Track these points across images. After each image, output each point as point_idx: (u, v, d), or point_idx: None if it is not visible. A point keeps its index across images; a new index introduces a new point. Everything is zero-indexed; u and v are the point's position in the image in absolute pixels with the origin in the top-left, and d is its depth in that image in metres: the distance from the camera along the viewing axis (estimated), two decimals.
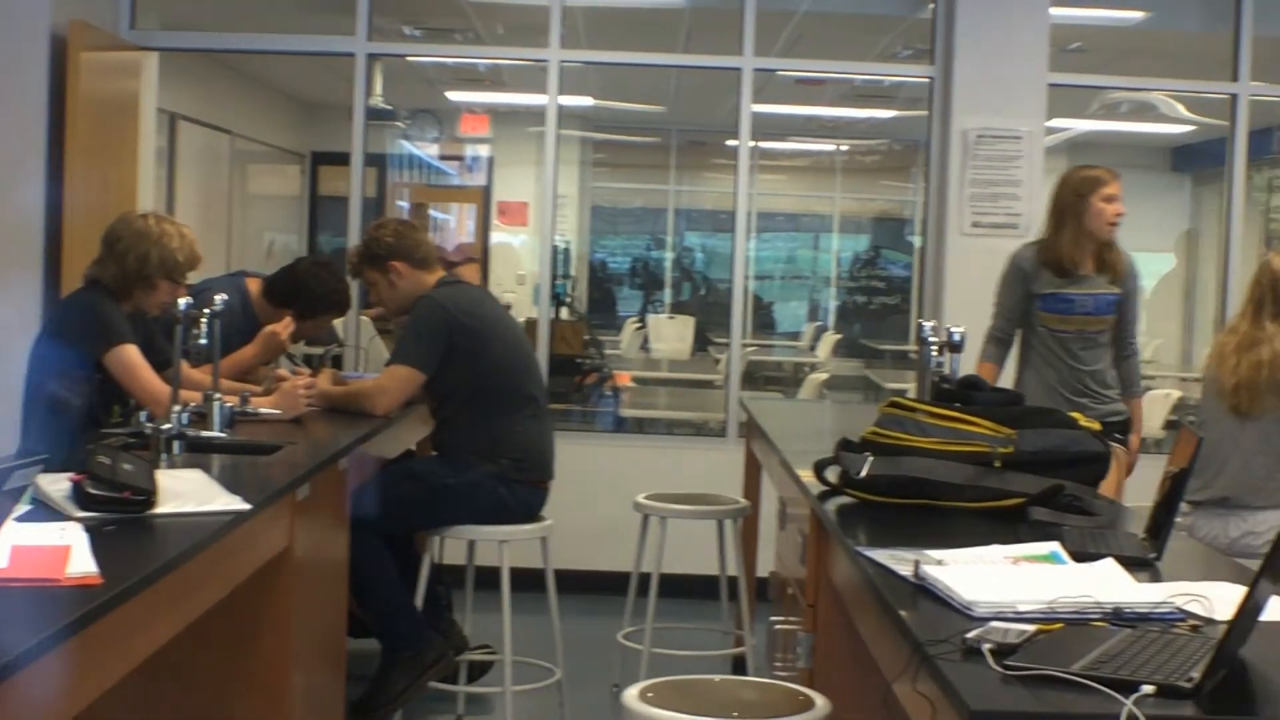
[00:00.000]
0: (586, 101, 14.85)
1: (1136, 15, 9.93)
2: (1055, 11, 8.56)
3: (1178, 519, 3.72)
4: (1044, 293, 6.45)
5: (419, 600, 5.88)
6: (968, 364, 5.28)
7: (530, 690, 6.14)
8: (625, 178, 18.92)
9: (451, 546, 6.13)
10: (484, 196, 17.13)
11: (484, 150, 17.26)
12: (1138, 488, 5.50)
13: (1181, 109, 12.93)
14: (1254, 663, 2.65)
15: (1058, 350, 6.50)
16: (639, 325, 17.15)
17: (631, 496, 6.59)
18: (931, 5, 8.64)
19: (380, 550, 5.78)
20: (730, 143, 8.89)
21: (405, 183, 17.19)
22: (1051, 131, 10.72)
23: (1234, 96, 8.72)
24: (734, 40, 8.63)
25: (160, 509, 3.62)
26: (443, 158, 17.44)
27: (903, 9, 9.90)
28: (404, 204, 17.10)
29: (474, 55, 12.12)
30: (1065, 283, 6.44)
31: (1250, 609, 2.56)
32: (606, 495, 7.76)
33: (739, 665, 6.73)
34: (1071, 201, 6.43)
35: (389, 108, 12.71)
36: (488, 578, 6.03)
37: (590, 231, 18.39)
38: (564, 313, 12.31)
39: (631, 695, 3.56)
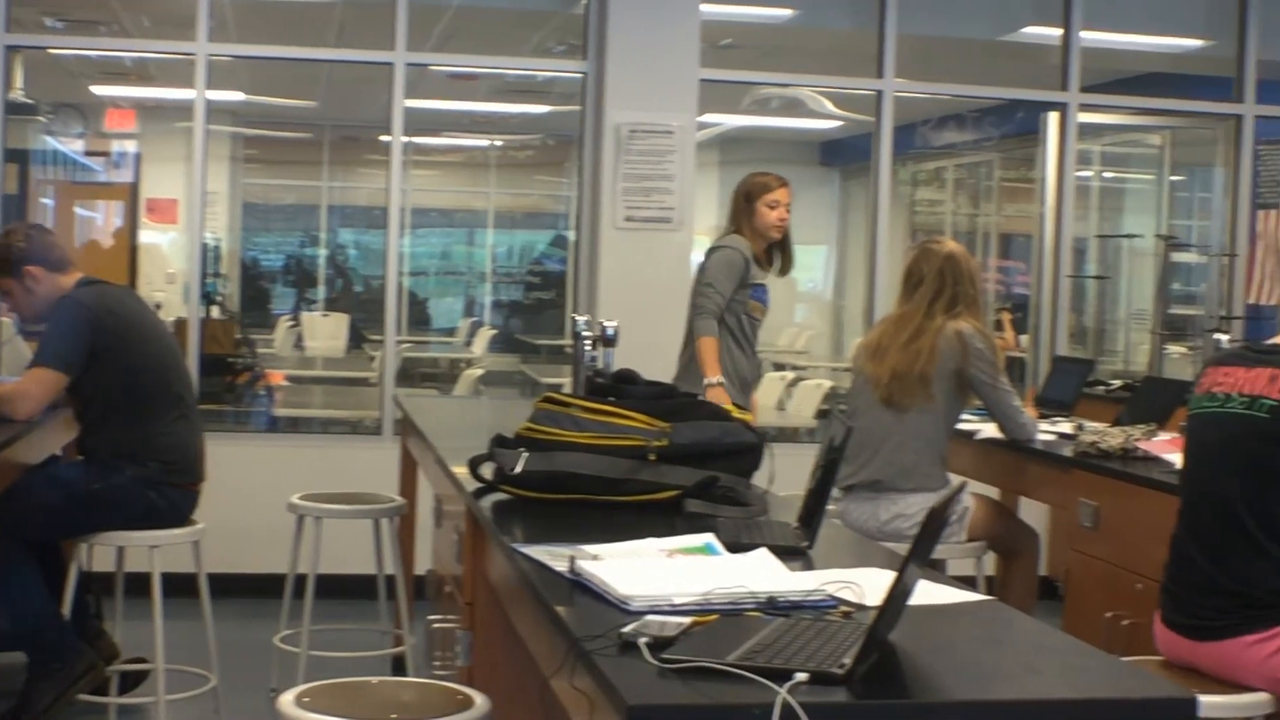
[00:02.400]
0: (237, 96, 14.59)
1: (785, 13, 10.12)
2: (706, 8, 8.66)
3: (829, 504, 3.78)
4: (756, 283, 6.94)
5: (66, 610, 5.69)
6: (622, 358, 5.30)
7: (185, 699, 6.00)
8: (277, 174, 18.65)
9: (100, 553, 5.97)
10: (131, 193, 16.74)
11: (131, 146, 16.86)
12: (790, 476, 5.57)
13: (829, 105, 13.21)
14: (904, 646, 2.70)
15: (751, 337, 7.00)
16: (292, 323, 16.92)
17: (286, 497, 6.47)
18: (584, 1, 8.67)
19: (24, 559, 5.58)
20: (383, 138, 8.80)
21: (49, 180, 16.69)
22: (704, 127, 10.86)
23: (879, 93, 8.93)
24: (386, 34, 8.54)
25: None
26: (88, 154, 16.98)
27: (556, 4, 9.93)
28: (49, 201, 16.62)
29: (119, 48, 11.82)
30: (763, 275, 7.01)
31: (899, 593, 2.60)
32: (260, 496, 7.61)
33: (399, 665, 6.67)
34: (742, 205, 7.02)
35: (30, 102, 12.31)
36: (138, 584, 5.88)
37: (242, 229, 18.09)
38: (215, 311, 12.10)
39: (287, 700, 3.48)
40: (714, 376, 6.68)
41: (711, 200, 15.30)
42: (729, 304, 6.86)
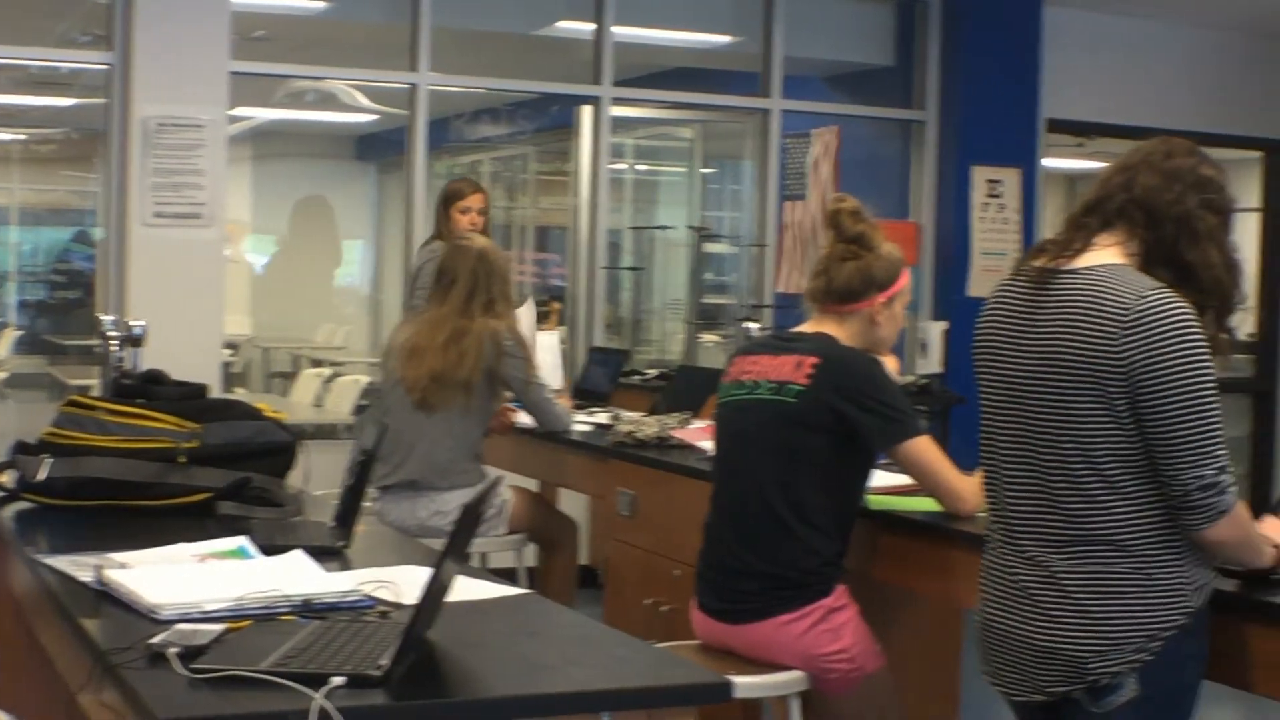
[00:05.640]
0: None
1: (319, 5, 9.99)
2: None
3: (366, 503, 3.75)
4: None
5: None
6: (154, 358, 5.15)
7: None
8: None
9: None
10: None
11: None
12: (326, 474, 5.52)
13: (363, 99, 13.12)
14: (443, 644, 2.69)
15: None
16: None
17: None
18: None
19: None
20: None
21: None
22: (236, 120, 10.68)
23: (413, 86, 8.90)
24: None
25: None
26: None
27: None
28: None
29: None
30: None
31: (436, 590, 2.58)
32: None
33: None
34: (441, 211, 7.61)
35: None
36: None
37: None
38: None
39: None
40: None
41: (244, 195, 15.09)
42: None
